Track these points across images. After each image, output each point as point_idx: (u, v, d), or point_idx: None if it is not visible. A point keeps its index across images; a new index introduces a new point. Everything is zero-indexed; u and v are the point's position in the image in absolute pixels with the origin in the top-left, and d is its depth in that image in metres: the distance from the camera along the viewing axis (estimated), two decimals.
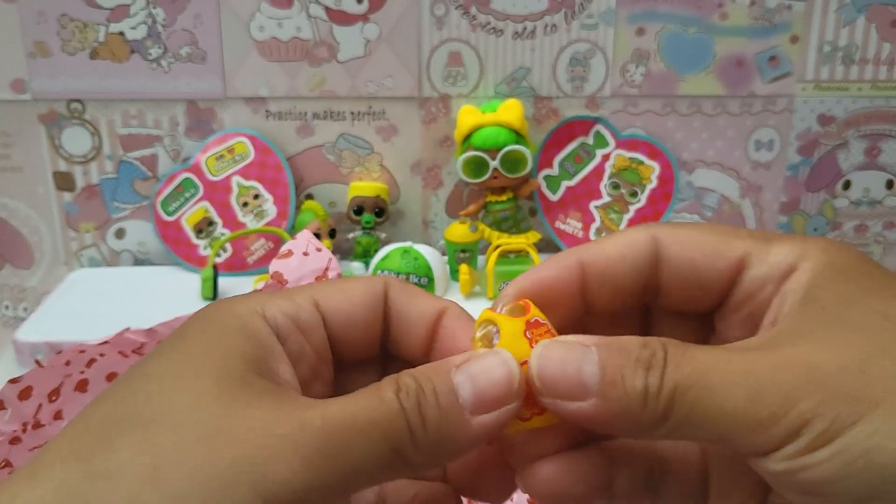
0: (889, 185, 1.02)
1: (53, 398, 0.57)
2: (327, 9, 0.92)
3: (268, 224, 0.95)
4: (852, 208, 1.02)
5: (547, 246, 0.98)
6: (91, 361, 0.58)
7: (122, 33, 0.91)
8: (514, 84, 0.96)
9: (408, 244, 0.86)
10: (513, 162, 0.90)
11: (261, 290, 0.27)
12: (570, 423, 0.24)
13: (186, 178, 0.95)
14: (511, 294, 0.26)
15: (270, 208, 0.95)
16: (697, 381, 0.22)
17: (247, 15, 0.92)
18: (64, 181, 0.96)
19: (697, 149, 0.99)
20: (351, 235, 0.95)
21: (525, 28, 0.94)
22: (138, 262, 0.99)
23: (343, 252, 0.98)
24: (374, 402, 0.22)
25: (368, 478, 0.22)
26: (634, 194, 0.98)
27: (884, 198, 1.02)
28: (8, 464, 0.55)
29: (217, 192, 0.95)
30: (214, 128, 0.95)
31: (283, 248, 0.67)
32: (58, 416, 0.57)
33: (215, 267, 0.88)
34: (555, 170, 0.98)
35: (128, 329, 0.66)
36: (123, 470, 0.20)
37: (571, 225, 0.99)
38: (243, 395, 0.22)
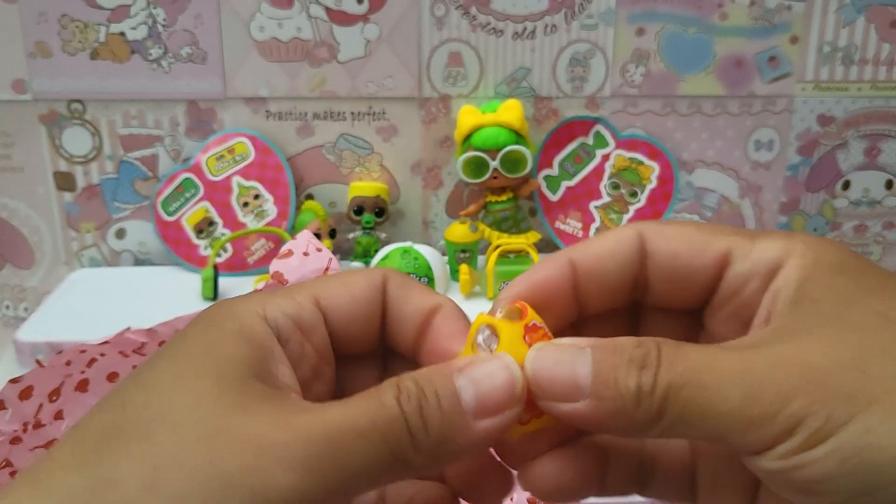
0: (888, 185, 1.02)
1: (54, 398, 0.57)
2: (327, 9, 0.92)
3: (268, 224, 0.95)
4: (852, 208, 1.02)
5: (547, 246, 0.98)
6: (92, 361, 0.58)
7: (122, 34, 0.91)
8: (514, 84, 0.96)
9: (408, 244, 0.86)
10: (513, 162, 0.90)
11: (262, 290, 0.27)
12: (566, 424, 0.24)
13: (187, 179, 0.95)
14: (507, 298, 0.27)
15: (271, 208, 0.96)
16: (691, 379, 0.22)
17: (247, 15, 0.92)
18: (64, 181, 0.96)
19: (697, 149, 0.99)
20: (351, 235, 0.95)
21: (525, 28, 0.94)
22: (139, 262, 0.99)
23: (343, 252, 0.98)
24: (374, 406, 0.22)
25: (369, 482, 0.22)
26: (634, 194, 0.98)
27: (883, 198, 1.02)
28: (8, 463, 0.55)
29: (217, 193, 0.95)
30: (215, 128, 0.95)
31: (284, 249, 0.67)
32: (58, 415, 0.57)
33: (216, 267, 0.88)
34: (555, 170, 0.98)
35: (128, 329, 0.66)
36: (124, 478, 0.20)
37: (571, 225, 0.99)
38: (242, 400, 0.22)
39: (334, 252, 0.94)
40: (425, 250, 0.86)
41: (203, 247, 0.95)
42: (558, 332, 0.27)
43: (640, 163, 0.98)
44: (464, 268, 0.87)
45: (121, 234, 0.98)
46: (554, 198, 0.99)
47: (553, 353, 0.24)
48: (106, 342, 0.58)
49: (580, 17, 0.94)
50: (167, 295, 0.89)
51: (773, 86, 0.97)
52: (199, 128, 0.95)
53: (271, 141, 0.95)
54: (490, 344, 0.25)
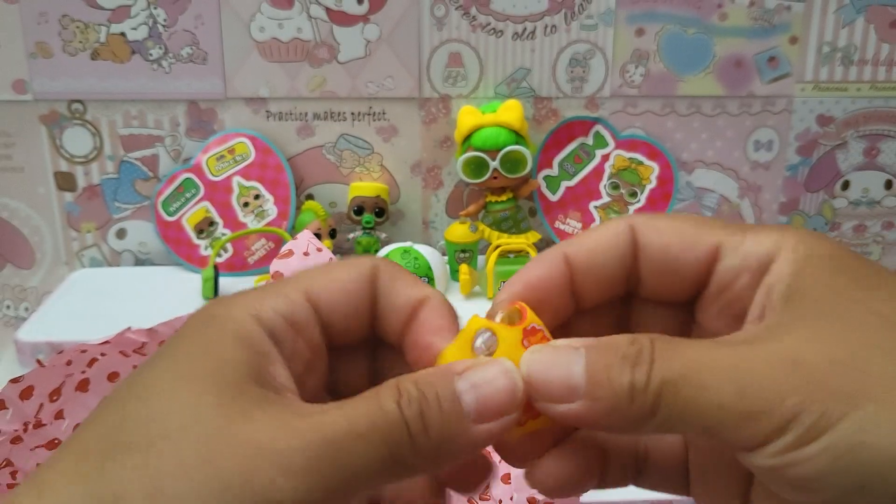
0: (888, 185, 1.02)
1: (55, 398, 0.57)
2: (328, 9, 0.92)
3: (268, 224, 0.96)
4: (851, 208, 1.03)
5: (547, 246, 0.97)
6: (92, 361, 0.58)
7: (123, 34, 0.92)
8: (514, 85, 0.96)
9: (408, 244, 0.87)
10: (513, 162, 0.90)
11: (252, 289, 0.27)
12: (563, 424, 0.24)
13: (187, 179, 0.95)
14: (506, 299, 0.27)
15: (271, 208, 0.96)
16: (685, 375, 0.22)
17: (247, 16, 0.92)
18: (65, 181, 0.96)
19: (697, 149, 0.99)
20: (351, 235, 0.96)
21: (525, 29, 0.94)
22: (139, 262, 0.99)
23: (343, 252, 0.98)
24: (373, 409, 0.22)
25: (368, 484, 0.22)
26: (634, 194, 0.99)
27: (883, 198, 1.02)
28: (9, 463, 0.55)
29: (218, 193, 0.95)
30: (215, 128, 0.96)
31: (284, 249, 0.67)
32: (59, 415, 0.57)
33: (216, 267, 0.88)
34: (554, 170, 0.98)
35: (129, 329, 0.66)
36: (128, 490, 0.20)
37: (571, 225, 0.99)
38: (242, 406, 0.22)
39: (334, 252, 0.94)
40: (425, 250, 0.86)
41: (203, 247, 0.96)
42: (557, 328, 0.27)
43: (640, 163, 0.98)
44: (464, 268, 0.87)
45: (121, 234, 0.98)
46: (554, 198, 0.99)
47: (548, 356, 0.24)
48: (107, 342, 0.58)
49: (580, 18, 0.94)
50: (168, 295, 0.89)
51: (772, 86, 0.97)
52: (200, 128, 0.96)
53: (272, 141, 0.96)
54: (490, 347, 0.25)
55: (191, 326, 0.25)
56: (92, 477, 0.21)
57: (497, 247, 0.88)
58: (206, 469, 0.20)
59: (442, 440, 0.23)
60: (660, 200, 0.98)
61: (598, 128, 0.98)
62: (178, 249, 0.95)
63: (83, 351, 0.58)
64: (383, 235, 0.96)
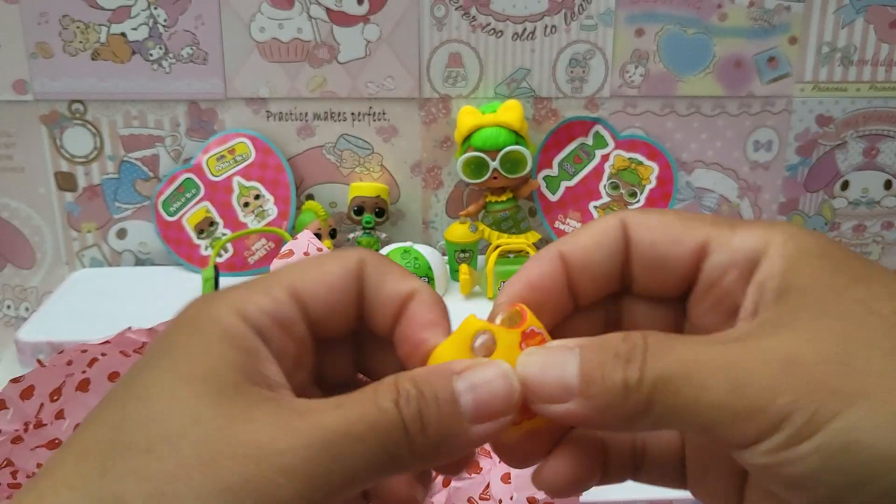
0: (887, 185, 1.02)
1: (55, 398, 0.57)
2: (328, 10, 0.92)
3: (269, 224, 0.96)
4: (851, 208, 1.03)
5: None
6: (93, 361, 0.58)
7: (123, 34, 0.92)
8: (514, 85, 0.96)
9: (408, 244, 0.87)
10: (512, 162, 0.90)
11: (237, 285, 0.26)
12: (559, 423, 0.24)
13: (188, 179, 0.95)
14: (506, 301, 0.27)
15: (271, 208, 0.96)
16: (679, 372, 0.22)
17: (248, 16, 0.92)
18: (65, 181, 0.96)
19: (696, 149, 0.99)
20: (351, 236, 0.96)
21: (525, 29, 0.94)
22: (140, 262, 1.00)
23: None
24: (371, 409, 0.22)
25: (365, 482, 0.22)
26: (634, 195, 0.99)
27: (882, 198, 1.02)
28: (9, 463, 0.55)
29: (218, 193, 0.95)
30: (215, 128, 0.96)
31: (284, 249, 0.67)
32: (59, 415, 0.57)
33: (216, 267, 0.88)
34: (554, 170, 0.99)
35: (129, 329, 0.66)
36: (128, 493, 0.20)
37: (571, 225, 0.99)
38: (241, 407, 0.22)
39: None
40: (425, 250, 0.86)
41: (204, 247, 0.96)
42: (556, 327, 0.27)
43: (640, 163, 0.98)
44: (464, 268, 0.87)
45: (122, 234, 0.98)
46: (553, 198, 0.99)
47: (543, 357, 0.24)
48: (107, 342, 0.58)
49: (580, 18, 0.94)
50: (168, 295, 0.89)
51: (772, 86, 0.97)
52: (200, 128, 0.96)
53: (272, 141, 0.96)
54: (489, 348, 0.25)
55: (177, 330, 0.24)
56: (92, 479, 0.21)
57: (497, 247, 0.88)
58: (206, 470, 0.21)
59: (439, 439, 0.23)
60: (659, 200, 0.98)
61: (598, 128, 0.98)
62: (178, 249, 0.95)
63: (84, 351, 0.58)
64: (383, 235, 0.96)
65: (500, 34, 0.94)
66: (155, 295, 0.89)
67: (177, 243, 0.95)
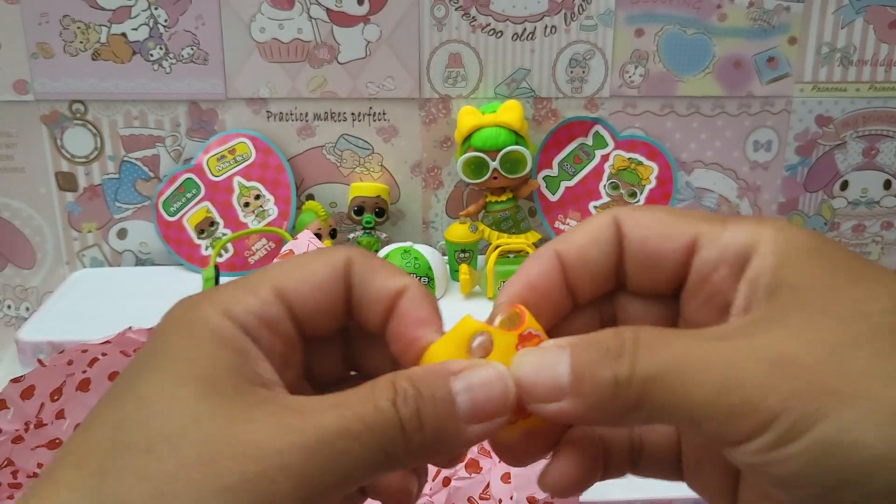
0: (887, 185, 1.02)
1: (56, 397, 0.57)
2: (328, 10, 0.92)
3: (269, 224, 0.96)
4: (850, 208, 1.03)
5: None
6: (93, 361, 0.58)
7: (123, 34, 0.92)
8: (514, 85, 0.96)
9: (408, 244, 0.87)
10: (512, 163, 0.90)
11: (223, 286, 0.26)
12: (554, 422, 0.25)
13: (188, 179, 0.95)
14: (505, 302, 0.27)
15: (272, 208, 0.96)
16: (670, 367, 0.22)
17: (248, 16, 0.92)
18: (66, 181, 0.96)
19: (696, 149, 0.99)
20: (351, 236, 0.96)
21: (525, 29, 0.94)
22: (140, 262, 1.00)
23: None
24: (369, 408, 0.22)
25: (362, 479, 0.23)
26: (633, 195, 0.99)
27: (882, 198, 1.03)
28: (10, 462, 0.55)
29: (218, 193, 0.95)
30: (216, 128, 0.96)
31: (285, 249, 0.68)
32: (60, 415, 0.57)
33: (217, 267, 0.88)
34: (554, 170, 0.99)
35: (130, 329, 0.66)
36: (128, 494, 0.20)
37: (571, 225, 0.99)
38: (239, 409, 0.22)
39: None
40: (425, 250, 0.86)
41: (204, 247, 0.96)
42: (555, 327, 0.27)
43: (639, 163, 0.98)
44: (464, 268, 0.88)
45: (122, 234, 0.98)
46: (553, 198, 0.99)
47: (535, 358, 0.24)
48: (107, 342, 0.58)
49: (579, 19, 0.94)
50: (168, 295, 0.88)
51: (771, 86, 0.97)
52: (201, 128, 0.96)
53: (272, 141, 0.96)
54: (486, 349, 0.25)
55: (169, 328, 0.25)
56: (92, 479, 0.21)
57: (497, 247, 0.88)
58: (206, 470, 0.21)
59: (435, 438, 0.23)
60: (659, 200, 0.98)
61: (598, 128, 0.98)
62: (178, 249, 0.96)
63: (84, 351, 0.58)
64: (383, 235, 0.96)
65: (499, 34, 0.94)
66: (155, 295, 0.89)
67: (177, 243, 0.96)
